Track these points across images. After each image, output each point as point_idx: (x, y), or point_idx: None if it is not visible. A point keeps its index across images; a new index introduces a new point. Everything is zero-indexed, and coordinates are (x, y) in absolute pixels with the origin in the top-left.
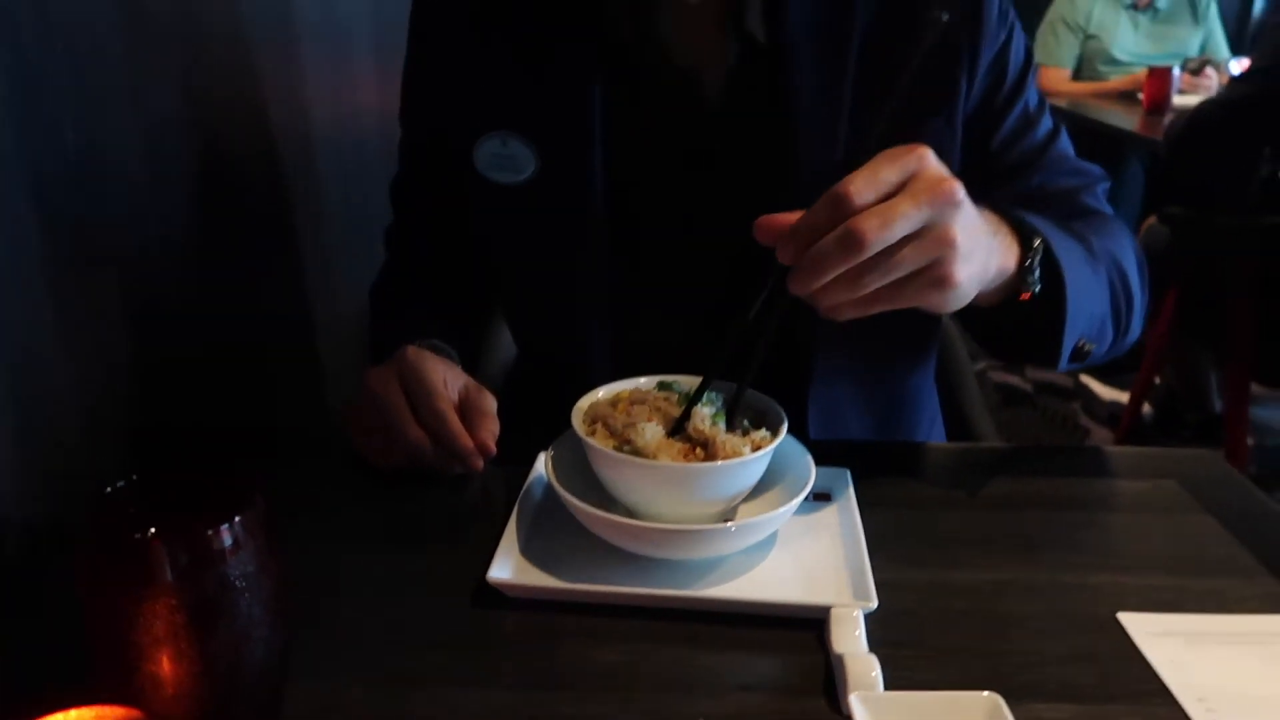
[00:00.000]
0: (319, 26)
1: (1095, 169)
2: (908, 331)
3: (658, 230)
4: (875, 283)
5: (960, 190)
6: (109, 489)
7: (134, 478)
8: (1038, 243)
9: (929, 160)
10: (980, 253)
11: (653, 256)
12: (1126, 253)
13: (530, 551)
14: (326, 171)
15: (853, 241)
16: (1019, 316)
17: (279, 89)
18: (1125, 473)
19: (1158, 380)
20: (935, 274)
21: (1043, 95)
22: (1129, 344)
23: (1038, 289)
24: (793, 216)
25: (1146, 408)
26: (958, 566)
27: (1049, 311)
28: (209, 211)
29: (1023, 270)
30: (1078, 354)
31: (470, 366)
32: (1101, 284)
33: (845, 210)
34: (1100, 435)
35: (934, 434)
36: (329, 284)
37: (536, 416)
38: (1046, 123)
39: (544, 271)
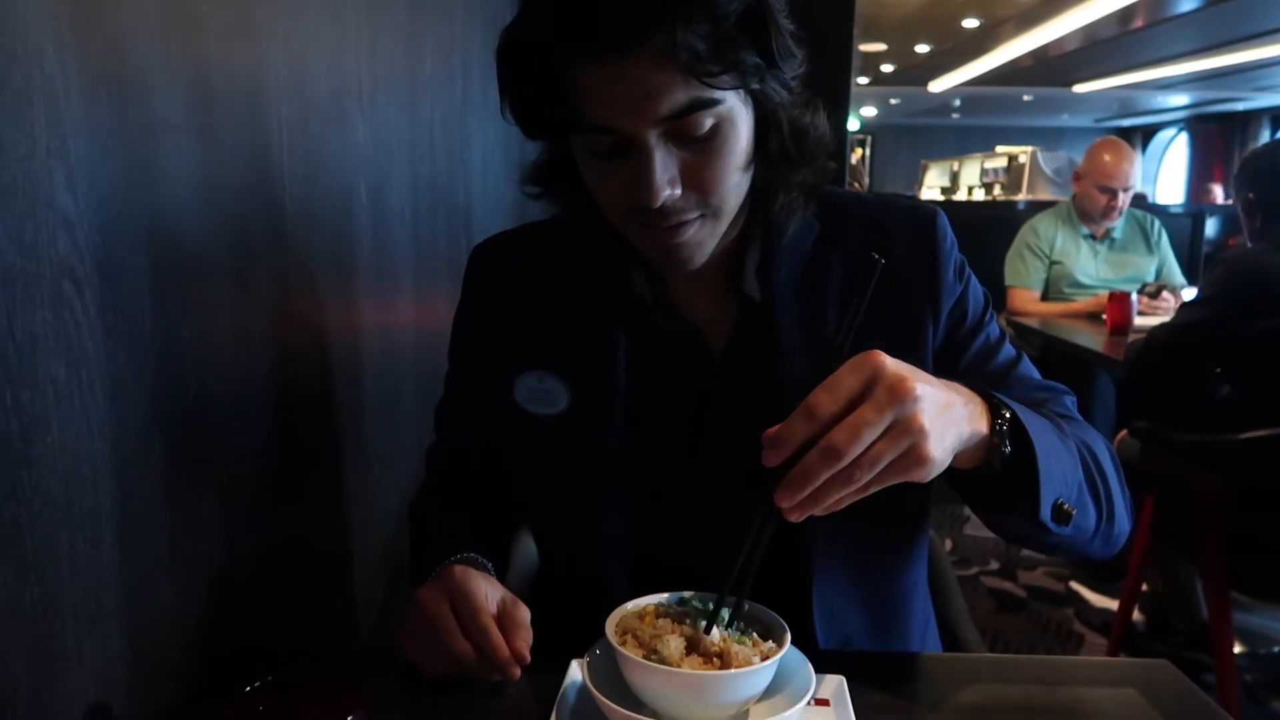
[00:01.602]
0: (371, 264)
1: (1060, 386)
2: (896, 530)
3: (671, 458)
4: (864, 476)
5: (918, 385)
6: (247, 688)
7: (263, 682)
8: (1006, 412)
9: (885, 365)
10: (952, 425)
11: (667, 481)
12: (1097, 443)
13: None
14: (370, 398)
15: (832, 454)
16: (999, 478)
17: (339, 324)
18: (1091, 681)
19: (1145, 588)
20: (912, 456)
21: (1003, 331)
22: (1120, 535)
23: (1008, 449)
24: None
25: (1138, 615)
26: None
27: (1025, 473)
28: (279, 436)
29: (994, 433)
30: (1060, 514)
31: (500, 576)
32: (1071, 452)
33: (815, 420)
34: (1094, 641)
35: (929, 637)
36: (365, 500)
37: (560, 623)
38: (1009, 350)
39: (570, 492)
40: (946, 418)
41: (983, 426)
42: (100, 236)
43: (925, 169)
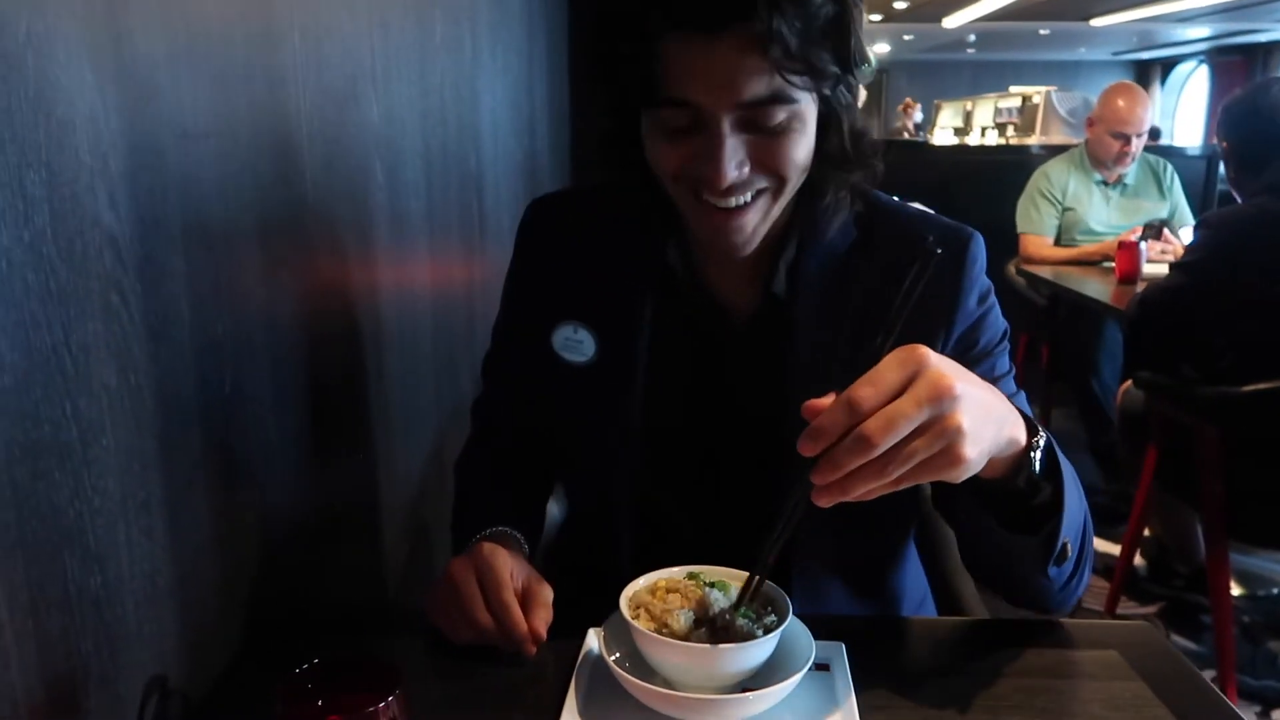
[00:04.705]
0: (388, 240)
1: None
2: (882, 522)
3: (684, 418)
4: (896, 471)
5: (959, 384)
6: (296, 670)
7: (312, 663)
8: (1041, 435)
9: (929, 360)
10: (991, 427)
11: (676, 447)
12: (1087, 507)
13: (587, 714)
14: (392, 372)
15: (863, 443)
16: (1019, 495)
17: (360, 303)
18: (1075, 643)
19: (1148, 533)
20: (948, 456)
21: (1012, 366)
22: (1076, 598)
23: (1038, 469)
24: (827, 402)
25: (1139, 559)
26: None
27: (1049, 499)
28: (310, 415)
29: (1029, 448)
30: (1061, 554)
31: (534, 541)
32: (1081, 503)
33: (856, 414)
34: (1096, 585)
35: (924, 611)
36: (390, 467)
37: (576, 588)
38: (1009, 385)
39: (589, 441)
40: (987, 419)
41: (1020, 436)
42: (141, 248)
43: (938, 109)
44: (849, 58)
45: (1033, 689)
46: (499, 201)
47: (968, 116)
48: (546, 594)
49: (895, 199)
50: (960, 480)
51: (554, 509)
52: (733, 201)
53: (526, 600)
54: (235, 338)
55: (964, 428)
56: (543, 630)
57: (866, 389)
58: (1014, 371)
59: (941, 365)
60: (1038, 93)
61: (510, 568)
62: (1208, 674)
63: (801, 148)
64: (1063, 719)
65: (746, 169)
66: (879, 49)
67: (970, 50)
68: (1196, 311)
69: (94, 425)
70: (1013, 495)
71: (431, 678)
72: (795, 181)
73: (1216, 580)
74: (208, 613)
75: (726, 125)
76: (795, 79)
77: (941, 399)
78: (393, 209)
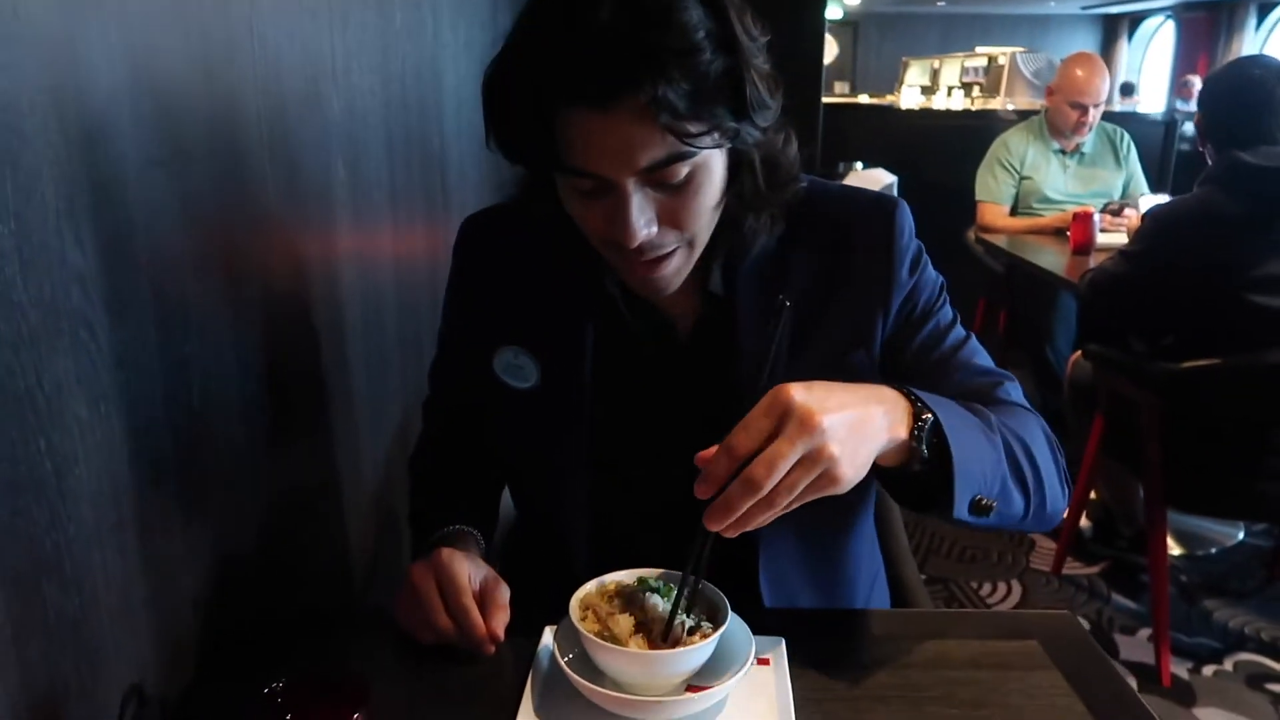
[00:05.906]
0: (351, 231)
1: (1004, 372)
2: (840, 504)
3: (634, 437)
4: (783, 501)
5: (825, 417)
6: (265, 689)
7: (281, 682)
8: (926, 416)
9: (795, 400)
10: (867, 441)
11: (626, 462)
12: (1033, 432)
13: (542, 712)
14: (357, 365)
15: (751, 485)
16: (918, 475)
17: (324, 298)
18: (999, 633)
19: (1094, 496)
20: (825, 479)
21: (955, 314)
22: (1055, 513)
23: (925, 453)
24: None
25: (1086, 521)
26: (863, 717)
27: (942, 471)
28: (278, 422)
29: (912, 438)
30: (978, 508)
31: (490, 535)
32: (995, 448)
33: (735, 459)
34: (1044, 545)
35: (876, 591)
36: (355, 460)
37: (532, 582)
38: (957, 334)
39: (538, 461)
40: (859, 436)
41: (902, 432)
42: (108, 281)
43: (906, 66)
44: (746, 107)
45: (955, 680)
46: (464, 179)
47: (935, 75)
48: (504, 595)
49: (818, 179)
50: (843, 492)
51: (510, 499)
52: (651, 254)
53: (484, 602)
54: (202, 354)
55: (834, 454)
56: (500, 631)
57: (741, 435)
58: (957, 317)
59: (808, 401)
60: (1003, 54)
61: (468, 571)
62: (1144, 632)
63: (709, 198)
64: (981, 709)
65: (655, 227)
66: (850, 1)
67: (941, 3)
68: (1140, 296)
69: (67, 457)
70: (912, 478)
71: (397, 675)
72: (709, 228)
73: (1154, 542)
74: (181, 621)
75: (630, 188)
76: (691, 139)
77: (812, 434)
78: (355, 202)
